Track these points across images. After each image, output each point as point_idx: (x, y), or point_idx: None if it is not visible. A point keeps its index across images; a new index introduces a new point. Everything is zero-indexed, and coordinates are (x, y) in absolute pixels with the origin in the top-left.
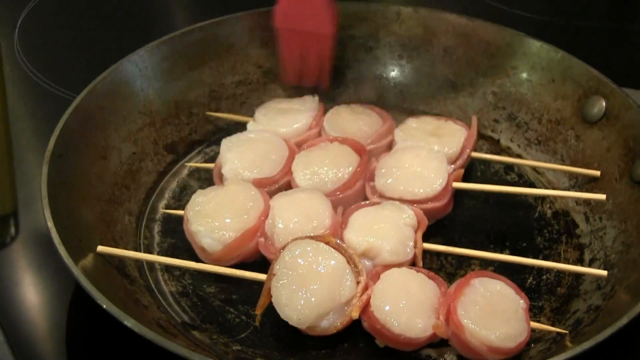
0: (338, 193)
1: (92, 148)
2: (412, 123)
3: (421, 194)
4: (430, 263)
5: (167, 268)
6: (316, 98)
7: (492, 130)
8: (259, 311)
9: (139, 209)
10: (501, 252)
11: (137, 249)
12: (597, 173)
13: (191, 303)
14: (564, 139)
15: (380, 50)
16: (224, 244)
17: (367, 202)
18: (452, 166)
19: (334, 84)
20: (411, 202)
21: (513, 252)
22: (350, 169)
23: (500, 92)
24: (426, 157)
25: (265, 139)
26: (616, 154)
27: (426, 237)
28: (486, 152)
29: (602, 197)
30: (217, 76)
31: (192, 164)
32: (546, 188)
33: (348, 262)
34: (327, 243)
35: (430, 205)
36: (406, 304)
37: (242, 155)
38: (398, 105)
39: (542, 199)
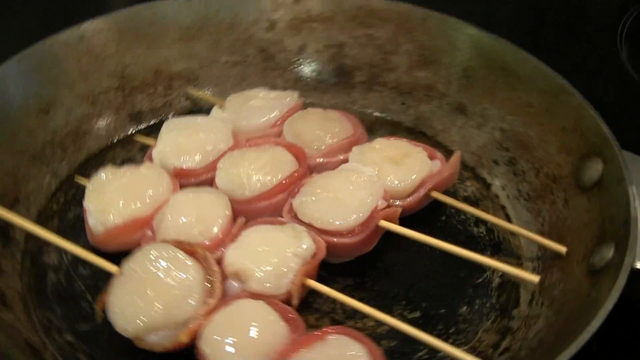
0: (252, 202)
1: (32, 99)
2: (376, 144)
3: (333, 225)
4: (322, 304)
5: None
6: (295, 95)
7: (488, 171)
8: (98, 306)
9: (68, 172)
10: (411, 312)
11: (42, 212)
12: (563, 250)
13: (56, 280)
14: (552, 201)
15: (397, 57)
16: (106, 228)
17: (270, 218)
18: (384, 202)
19: (339, 83)
20: (319, 231)
21: (422, 317)
22: (275, 180)
23: (510, 130)
24: (356, 184)
25: (209, 129)
26: (590, 232)
27: (335, 273)
28: (470, 195)
29: (535, 278)
30: (211, 52)
31: (139, 138)
32: (512, 252)
33: (207, 280)
34: (192, 253)
35: (338, 240)
36: (239, 342)
37: (176, 141)
38: (399, 120)
39: None
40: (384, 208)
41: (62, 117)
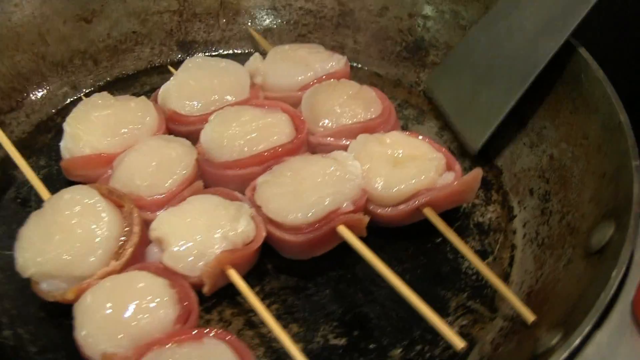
0: (220, 168)
1: (76, 4)
2: (388, 137)
3: (280, 216)
4: (245, 301)
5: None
6: (342, 60)
7: (519, 200)
8: None
9: (90, 88)
10: (337, 337)
11: (43, 122)
12: (530, 319)
13: None
14: (558, 256)
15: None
16: (71, 155)
17: (226, 190)
18: (350, 205)
19: (409, 59)
20: (266, 219)
21: (346, 346)
22: (255, 149)
23: (558, 159)
24: (328, 178)
25: (227, 76)
26: (564, 309)
27: (282, 269)
28: (485, 221)
29: (460, 344)
30: None
31: (172, 68)
32: (492, 303)
33: (121, 240)
34: (119, 206)
35: (280, 234)
36: (110, 316)
37: (186, 81)
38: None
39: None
40: (348, 212)
41: (104, 29)
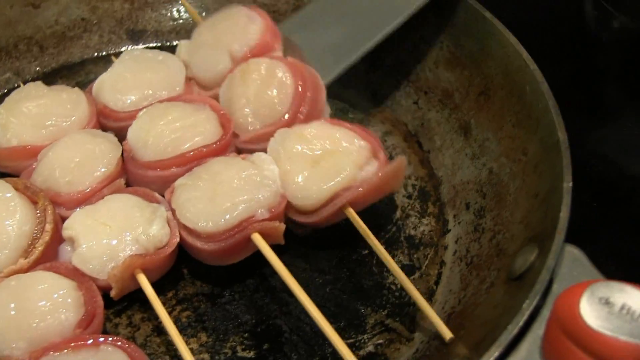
0: (141, 167)
1: None
2: (311, 129)
3: (192, 222)
4: None
5: None
6: (258, 23)
7: (455, 214)
8: None
9: (35, 75)
10: (245, 350)
11: None
12: (447, 336)
13: None
14: (482, 279)
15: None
16: None
17: (145, 191)
18: (264, 212)
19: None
20: (179, 224)
21: (257, 358)
22: (177, 150)
23: (497, 174)
24: (243, 182)
25: (162, 70)
26: (478, 335)
27: (198, 275)
28: (417, 235)
29: None
30: None
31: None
32: (411, 321)
33: (32, 237)
34: (34, 202)
35: (192, 240)
36: (7, 315)
37: (121, 74)
38: (404, 121)
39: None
40: (262, 220)
41: (52, 15)
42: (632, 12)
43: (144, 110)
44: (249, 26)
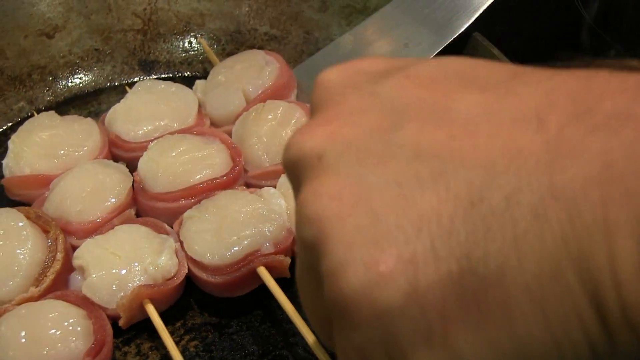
0: (151, 199)
1: (39, 19)
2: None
3: (198, 254)
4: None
5: None
6: (274, 66)
7: None
8: None
9: (48, 104)
10: None
11: None
12: None
13: None
14: None
15: None
16: (12, 174)
17: (155, 222)
18: (270, 247)
19: None
20: (187, 256)
21: None
22: (186, 183)
23: None
24: (250, 216)
25: (174, 101)
26: None
27: (206, 305)
28: None
29: None
30: (253, 19)
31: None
32: None
33: (44, 265)
34: (45, 231)
35: (198, 272)
36: (19, 344)
37: (134, 104)
38: None
39: None
40: (268, 254)
41: (65, 45)
42: (628, 41)
43: (155, 141)
44: (264, 69)
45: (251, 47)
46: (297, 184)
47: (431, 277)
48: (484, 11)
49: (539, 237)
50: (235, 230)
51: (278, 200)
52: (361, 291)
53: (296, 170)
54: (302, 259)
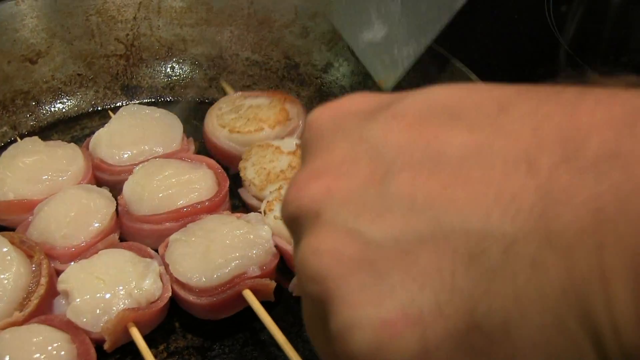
0: (137, 221)
1: (22, 44)
2: None
3: (185, 277)
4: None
5: None
6: None
7: None
8: None
9: (32, 129)
10: None
11: None
12: None
13: None
14: None
15: None
16: None
17: (139, 246)
18: (255, 270)
19: None
20: (172, 278)
21: None
22: (172, 206)
23: None
24: (237, 239)
25: (159, 126)
26: None
27: (191, 327)
28: None
29: None
30: (235, 45)
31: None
32: None
33: (28, 290)
34: (29, 256)
35: (184, 294)
36: None
37: (118, 129)
38: None
39: None
40: (254, 277)
41: (48, 70)
42: (604, 64)
43: (141, 165)
44: None
45: (232, 72)
46: (296, 238)
47: (439, 336)
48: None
49: (538, 289)
50: (222, 253)
51: (264, 225)
52: (372, 353)
53: (295, 225)
54: (310, 310)
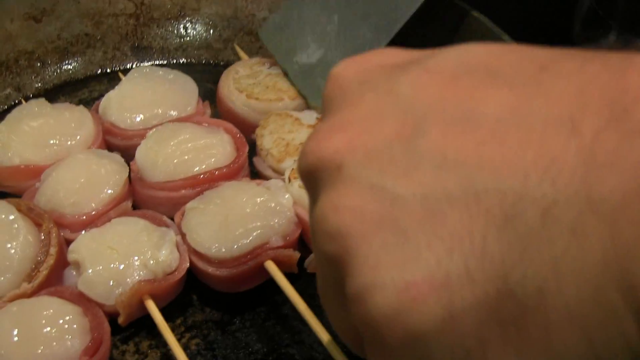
0: (151, 188)
1: (25, 2)
2: None
3: (204, 247)
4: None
5: None
6: None
7: None
8: None
9: (37, 91)
10: None
11: None
12: None
13: None
14: None
15: None
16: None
17: (154, 214)
18: (278, 240)
19: None
20: (190, 249)
21: None
22: (189, 172)
23: None
24: (257, 208)
25: (174, 88)
26: None
27: (209, 301)
28: None
29: None
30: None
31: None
32: None
33: (36, 260)
34: (37, 224)
35: (202, 266)
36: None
37: (129, 92)
38: None
39: None
40: (276, 248)
41: (54, 30)
42: (624, 22)
43: (154, 129)
44: None
45: (248, 34)
46: (314, 194)
47: (467, 302)
48: None
49: (578, 257)
50: (242, 222)
51: (286, 193)
52: (392, 316)
53: (313, 179)
54: (324, 273)
